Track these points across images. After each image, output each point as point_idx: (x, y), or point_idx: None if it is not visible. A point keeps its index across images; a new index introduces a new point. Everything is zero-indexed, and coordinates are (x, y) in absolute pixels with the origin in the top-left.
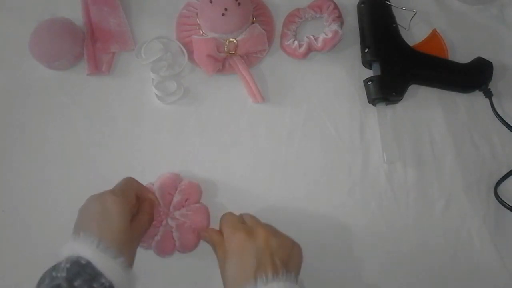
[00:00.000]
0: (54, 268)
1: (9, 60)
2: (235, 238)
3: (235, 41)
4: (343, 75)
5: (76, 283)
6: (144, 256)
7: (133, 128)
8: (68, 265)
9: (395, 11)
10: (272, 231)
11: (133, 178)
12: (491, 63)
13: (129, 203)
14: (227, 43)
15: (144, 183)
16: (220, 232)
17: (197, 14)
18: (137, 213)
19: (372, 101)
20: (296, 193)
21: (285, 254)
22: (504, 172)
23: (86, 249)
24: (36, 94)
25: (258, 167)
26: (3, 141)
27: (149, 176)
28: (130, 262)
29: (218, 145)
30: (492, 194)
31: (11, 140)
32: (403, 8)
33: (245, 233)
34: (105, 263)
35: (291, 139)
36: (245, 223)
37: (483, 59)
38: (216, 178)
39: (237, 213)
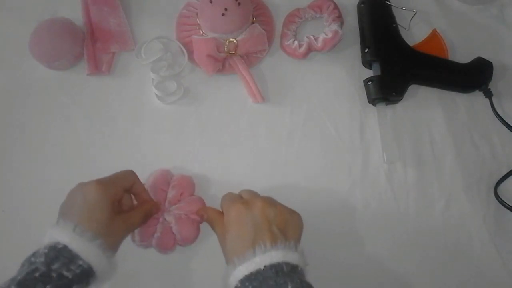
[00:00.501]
0: (33, 254)
1: (9, 60)
2: (232, 210)
3: (235, 41)
4: (343, 75)
5: (53, 267)
6: (145, 255)
7: (133, 128)
8: (46, 250)
9: (395, 11)
10: (269, 201)
11: (132, 172)
12: (491, 63)
13: (112, 194)
14: (227, 43)
15: None
16: (218, 210)
17: (197, 14)
18: (130, 209)
19: (372, 101)
20: (296, 193)
21: (283, 222)
22: (504, 172)
23: (63, 234)
24: (36, 94)
25: (258, 167)
26: (3, 141)
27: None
28: (111, 246)
29: (218, 145)
30: (492, 194)
31: (11, 140)
32: (403, 8)
33: (242, 204)
34: (81, 245)
35: (291, 139)
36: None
37: (483, 59)
38: (216, 178)
39: None
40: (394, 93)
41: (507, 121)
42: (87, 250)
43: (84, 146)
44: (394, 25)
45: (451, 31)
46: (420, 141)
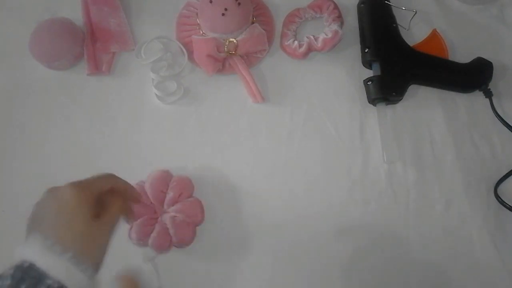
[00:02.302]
0: (0, 277)
1: (9, 60)
2: None
3: (235, 41)
4: (343, 75)
5: None
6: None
7: (133, 128)
8: (11, 271)
9: (395, 11)
10: None
11: (112, 175)
12: (491, 63)
13: (89, 197)
14: (227, 43)
15: (137, 182)
16: None
17: (197, 14)
18: (104, 209)
19: (372, 101)
20: (296, 193)
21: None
22: (504, 172)
23: (30, 251)
24: (36, 94)
25: (258, 167)
26: (3, 141)
27: None
28: (88, 258)
29: (218, 145)
30: (492, 194)
31: (11, 140)
32: (403, 8)
33: None
34: (50, 262)
35: (291, 139)
36: None
37: (483, 59)
38: (216, 178)
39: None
40: (394, 93)
41: (507, 121)
42: (56, 266)
43: (84, 146)
44: (394, 25)
45: (451, 31)
46: (420, 141)
